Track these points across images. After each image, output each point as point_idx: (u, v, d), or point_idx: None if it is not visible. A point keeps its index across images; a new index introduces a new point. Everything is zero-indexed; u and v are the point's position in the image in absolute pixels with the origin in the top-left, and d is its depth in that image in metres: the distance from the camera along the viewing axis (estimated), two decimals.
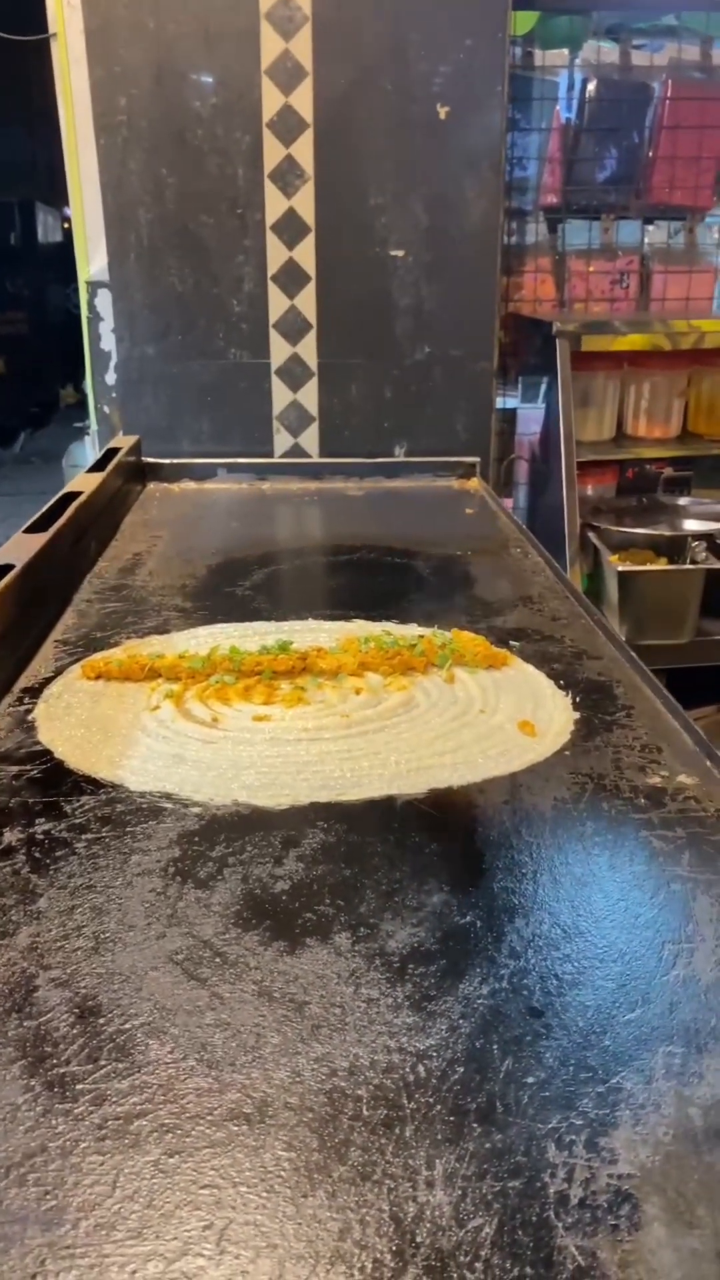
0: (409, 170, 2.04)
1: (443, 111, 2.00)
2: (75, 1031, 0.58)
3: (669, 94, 2.53)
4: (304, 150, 2.00)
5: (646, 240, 2.69)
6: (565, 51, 2.51)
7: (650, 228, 2.69)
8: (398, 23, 1.95)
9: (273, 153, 2.00)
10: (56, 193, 7.96)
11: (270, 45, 1.94)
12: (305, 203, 2.03)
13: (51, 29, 2.08)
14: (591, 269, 2.64)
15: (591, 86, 2.54)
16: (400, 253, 2.08)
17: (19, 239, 8.49)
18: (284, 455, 2.18)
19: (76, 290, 2.24)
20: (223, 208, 2.03)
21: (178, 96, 1.96)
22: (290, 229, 2.05)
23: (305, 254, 2.06)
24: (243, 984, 0.62)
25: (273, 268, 2.07)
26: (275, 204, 2.03)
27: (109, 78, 1.96)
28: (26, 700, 1.03)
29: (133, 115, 1.97)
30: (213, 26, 1.93)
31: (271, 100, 1.96)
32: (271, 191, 2.02)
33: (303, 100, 1.96)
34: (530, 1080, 0.55)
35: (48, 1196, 0.48)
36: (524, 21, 2.41)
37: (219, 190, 2.02)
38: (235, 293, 2.08)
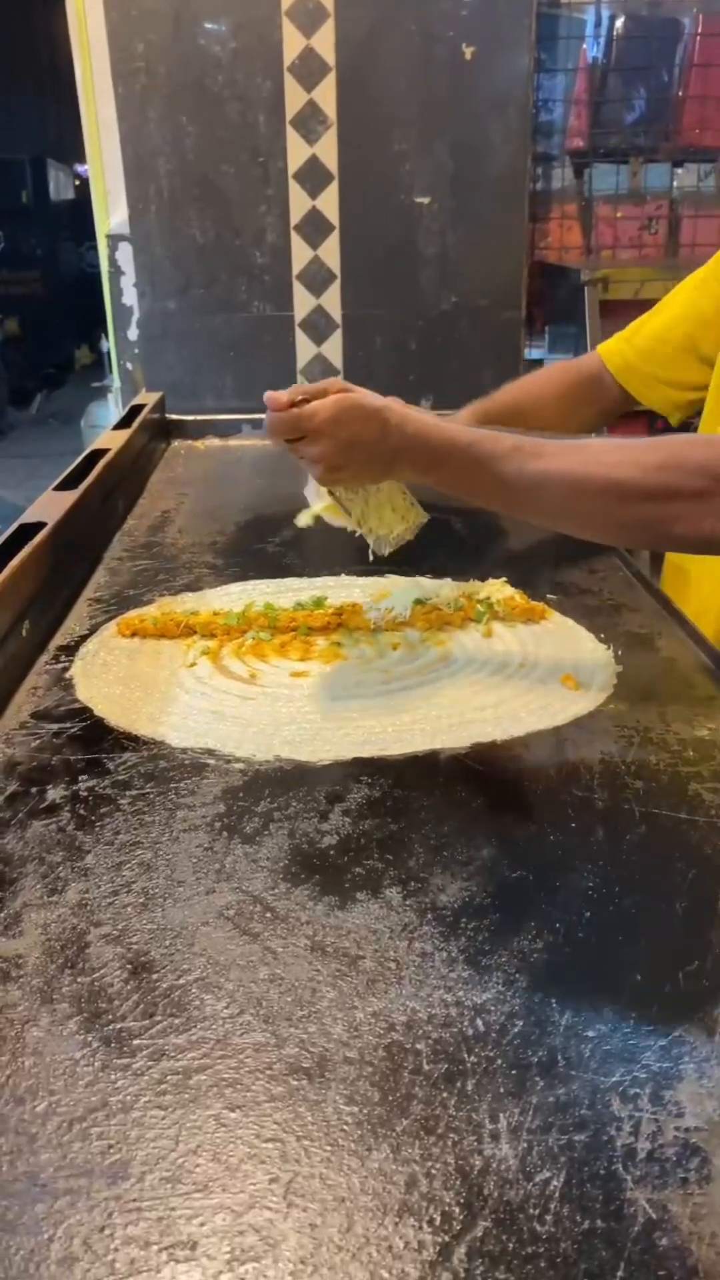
0: (434, 114, 1.99)
1: (468, 52, 1.95)
2: (129, 987, 0.58)
3: (700, 29, 2.46)
4: (326, 95, 1.95)
5: (676, 184, 2.63)
6: None
7: (680, 171, 2.62)
8: None
9: (294, 98, 1.95)
10: (68, 149, 7.83)
11: None
12: (328, 149, 1.98)
13: None
14: (619, 215, 2.58)
15: (619, 23, 2.47)
16: (425, 199, 2.03)
17: (30, 197, 8.35)
18: None
19: (90, 248, 2.21)
20: (244, 156, 1.99)
21: (196, 41, 1.92)
22: (313, 177, 2.00)
23: (328, 202, 2.02)
24: (295, 939, 0.62)
25: (295, 217, 2.03)
26: (297, 151, 1.98)
27: (126, 23, 1.91)
28: (63, 658, 1.02)
29: (151, 62, 1.93)
30: None
31: (293, 43, 1.91)
32: (293, 138, 1.97)
33: (324, 42, 1.91)
34: (591, 1034, 0.54)
35: (111, 1150, 0.48)
36: None
37: (240, 138, 1.98)
38: (258, 244, 2.04)
